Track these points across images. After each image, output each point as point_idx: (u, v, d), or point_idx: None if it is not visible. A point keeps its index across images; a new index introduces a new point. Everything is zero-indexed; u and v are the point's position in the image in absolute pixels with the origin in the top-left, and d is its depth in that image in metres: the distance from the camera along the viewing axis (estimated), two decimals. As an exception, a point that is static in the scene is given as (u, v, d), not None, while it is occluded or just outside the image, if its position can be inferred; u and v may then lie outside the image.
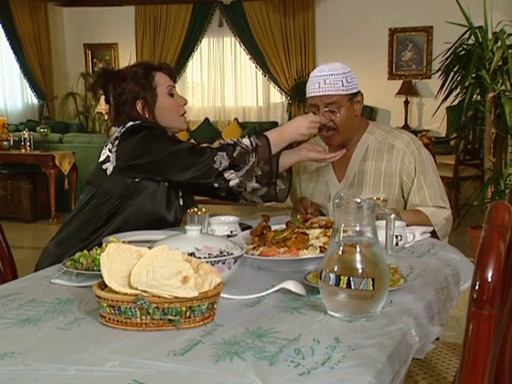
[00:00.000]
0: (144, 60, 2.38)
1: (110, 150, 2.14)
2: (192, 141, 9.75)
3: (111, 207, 2.14)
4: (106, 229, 2.12)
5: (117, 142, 2.14)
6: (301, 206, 2.32)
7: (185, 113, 2.28)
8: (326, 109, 2.23)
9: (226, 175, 2.06)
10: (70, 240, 2.17)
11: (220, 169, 2.04)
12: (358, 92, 2.28)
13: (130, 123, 2.17)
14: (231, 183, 2.09)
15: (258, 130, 2.46)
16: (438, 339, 1.82)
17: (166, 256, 1.27)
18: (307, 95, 2.28)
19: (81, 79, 10.65)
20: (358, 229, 1.29)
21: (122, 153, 2.12)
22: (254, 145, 2.08)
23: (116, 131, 2.18)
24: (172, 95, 2.25)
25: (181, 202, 2.28)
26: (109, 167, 2.13)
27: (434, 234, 2.20)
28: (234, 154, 2.05)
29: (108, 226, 2.13)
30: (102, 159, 2.16)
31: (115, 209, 2.14)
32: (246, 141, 2.09)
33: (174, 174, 2.12)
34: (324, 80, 2.21)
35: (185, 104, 2.28)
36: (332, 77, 2.21)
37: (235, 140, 2.11)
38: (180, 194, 2.27)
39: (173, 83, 2.28)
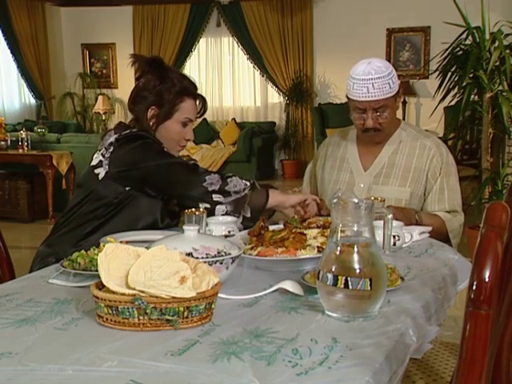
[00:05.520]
0: (193, 79, 2.36)
1: (103, 155, 2.13)
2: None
3: (102, 214, 2.13)
4: (96, 235, 2.10)
5: (111, 148, 2.12)
6: (303, 208, 2.15)
7: (184, 146, 2.28)
8: (375, 113, 2.24)
9: (213, 197, 2.02)
10: (60, 244, 2.16)
11: (209, 189, 2.02)
12: (399, 88, 2.28)
13: (127, 130, 2.16)
14: (218, 208, 2.02)
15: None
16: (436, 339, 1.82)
17: (163, 256, 1.27)
18: (353, 98, 2.23)
19: (78, 79, 10.64)
20: (355, 229, 1.29)
21: (116, 159, 2.11)
22: (251, 182, 2.06)
23: (111, 137, 2.16)
24: (185, 125, 2.23)
25: (176, 209, 2.24)
26: (101, 172, 2.12)
27: (447, 241, 2.23)
28: (228, 180, 2.03)
29: (98, 232, 2.11)
30: (94, 163, 2.15)
31: (106, 217, 2.12)
32: (245, 180, 2.07)
33: (165, 187, 2.11)
34: (372, 84, 2.18)
35: (188, 140, 2.27)
36: (380, 80, 2.18)
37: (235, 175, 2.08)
38: (176, 201, 2.23)
39: (195, 118, 2.26)
